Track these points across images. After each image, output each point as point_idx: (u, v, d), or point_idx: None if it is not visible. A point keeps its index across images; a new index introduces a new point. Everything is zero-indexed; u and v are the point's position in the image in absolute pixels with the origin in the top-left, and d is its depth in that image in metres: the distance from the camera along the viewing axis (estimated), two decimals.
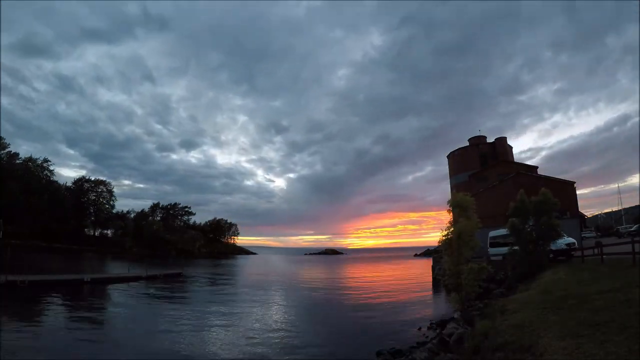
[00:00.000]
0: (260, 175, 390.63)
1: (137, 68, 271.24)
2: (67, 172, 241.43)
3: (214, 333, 13.79)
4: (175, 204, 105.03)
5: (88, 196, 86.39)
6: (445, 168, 58.03)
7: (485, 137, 54.63)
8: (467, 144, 54.52)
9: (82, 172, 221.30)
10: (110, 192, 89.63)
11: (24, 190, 63.68)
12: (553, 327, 6.57)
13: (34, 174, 72.28)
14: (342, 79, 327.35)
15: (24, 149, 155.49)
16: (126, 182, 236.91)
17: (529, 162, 66.94)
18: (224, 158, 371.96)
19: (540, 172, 42.80)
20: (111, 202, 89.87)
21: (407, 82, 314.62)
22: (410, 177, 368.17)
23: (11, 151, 71.77)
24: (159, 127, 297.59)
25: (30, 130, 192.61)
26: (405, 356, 9.87)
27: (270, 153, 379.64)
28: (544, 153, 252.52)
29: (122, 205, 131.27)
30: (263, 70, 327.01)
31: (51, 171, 77.64)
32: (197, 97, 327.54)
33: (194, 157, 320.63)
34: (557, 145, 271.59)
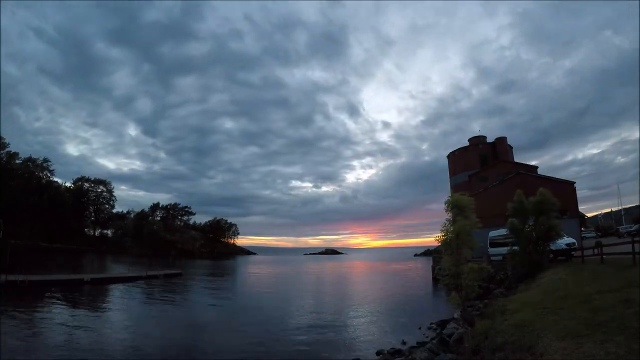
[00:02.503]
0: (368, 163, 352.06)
1: None
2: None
3: (213, 332, 13.79)
4: (175, 204, 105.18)
5: (88, 196, 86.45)
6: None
7: (485, 137, 54.64)
8: (467, 143, 54.57)
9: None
10: (110, 192, 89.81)
11: (24, 190, 63.70)
12: (553, 327, 6.56)
13: (34, 174, 72.30)
14: None
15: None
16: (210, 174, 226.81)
17: None
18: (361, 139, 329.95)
19: None
20: (111, 202, 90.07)
21: None
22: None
23: (11, 151, 71.85)
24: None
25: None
26: (405, 356, 9.86)
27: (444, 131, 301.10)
28: None
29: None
30: None
31: (51, 171, 77.77)
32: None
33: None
34: None
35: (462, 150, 53.77)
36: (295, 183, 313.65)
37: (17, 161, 71.38)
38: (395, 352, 10.55)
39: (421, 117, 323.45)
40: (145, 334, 13.07)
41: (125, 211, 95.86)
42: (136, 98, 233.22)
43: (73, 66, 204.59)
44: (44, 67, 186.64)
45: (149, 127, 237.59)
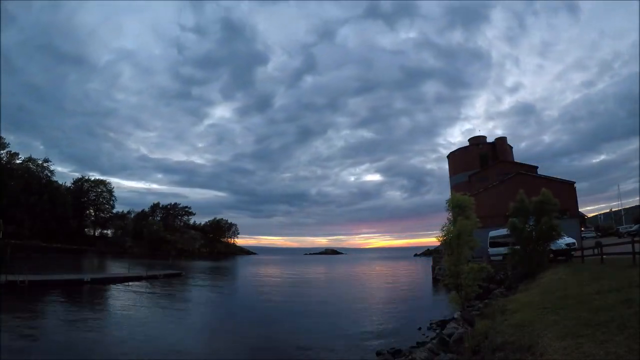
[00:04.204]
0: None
1: None
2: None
3: (214, 333, 13.79)
4: (175, 204, 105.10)
5: (88, 196, 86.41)
6: None
7: (485, 137, 54.72)
8: (467, 144, 54.60)
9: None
10: (110, 192, 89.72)
11: (24, 190, 63.68)
12: (553, 327, 6.56)
13: (34, 174, 72.26)
14: None
15: None
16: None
17: None
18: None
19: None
20: (111, 202, 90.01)
21: None
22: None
23: (11, 151, 71.86)
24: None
25: None
26: (405, 356, 9.86)
27: None
28: None
29: None
30: None
31: (51, 171, 77.71)
32: None
33: None
34: None
35: (462, 150, 53.84)
36: (368, 177, 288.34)
37: (17, 161, 71.44)
38: (395, 352, 10.55)
39: (549, 101, 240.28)
40: (145, 334, 13.06)
41: (125, 211, 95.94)
42: (279, 53, 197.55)
43: None
44: None
45: (264, 99, 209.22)
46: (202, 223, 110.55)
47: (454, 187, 48.05)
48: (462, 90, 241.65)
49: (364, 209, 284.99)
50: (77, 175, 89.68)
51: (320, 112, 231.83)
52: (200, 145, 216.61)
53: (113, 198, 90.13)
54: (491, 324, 8.88)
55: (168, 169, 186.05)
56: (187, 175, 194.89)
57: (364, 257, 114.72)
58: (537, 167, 45.09)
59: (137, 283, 27.71)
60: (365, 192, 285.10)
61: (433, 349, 9.56)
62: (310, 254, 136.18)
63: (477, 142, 53.29)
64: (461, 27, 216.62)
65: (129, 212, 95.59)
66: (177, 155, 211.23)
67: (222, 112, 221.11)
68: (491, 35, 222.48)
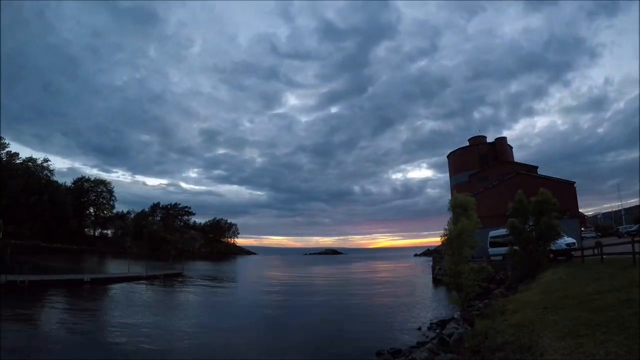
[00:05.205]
0: None
1: None
2: None
3: (214, 333, 13.77)
4: (176, 204, 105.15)
5: (88, 196, 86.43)
6: None
7: (485, 137, 54.67)
8: (467, 144, 54.57)
9: None
10: (110, 192, 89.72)
11: (24, 190, 63.64)
12: (553, 327, 6.56)
13: (34, 174, 72.23)
14: None
15: None
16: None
17: None
18: None
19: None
20: (111, 202, 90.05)
21: None
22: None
23: (11, 151, 71.85)
24: None
25: None
26: (405, 356, 9.85)
27: None
28: None
29: None
30: None
31: (51, 171, 77.67)
32: None
33: None
34: None
35: (462, 150, 53.81)
36: (415, 173, 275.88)
37: (17, 161, 71.41)
38: (396, 352, 10.54)
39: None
40: (145, 334, 13.06)
41: (125, 211, 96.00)
42: (405, 29, 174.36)
43: None
44: None
45: (363, 84, 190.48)
46: (202, 223, 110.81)
47: (454, 187, 48.08)
48: (556, 84, 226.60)
49: (391, 207, 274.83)
50: (97, 172, 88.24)
51: (412, 100, 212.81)
52: (255, 138, 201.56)
53: (113, 198, 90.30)
54: (491, 324, 8.88)
55: (209, 164, 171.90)
56: (231, 170, 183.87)
57: (363, 257, 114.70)
58: (537, 167, 45.11)
59: (137, 283, 27.71)
60: (408, 189, 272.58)
61: (433, 349, 9.55)
62: (310, 254, 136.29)
63: (477, 142, 53.27)
64: (599, 19, 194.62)
65: (128, 212, 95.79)
66: (223, 149, 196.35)
67: (298, 100, 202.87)
68: (608, 29, 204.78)
